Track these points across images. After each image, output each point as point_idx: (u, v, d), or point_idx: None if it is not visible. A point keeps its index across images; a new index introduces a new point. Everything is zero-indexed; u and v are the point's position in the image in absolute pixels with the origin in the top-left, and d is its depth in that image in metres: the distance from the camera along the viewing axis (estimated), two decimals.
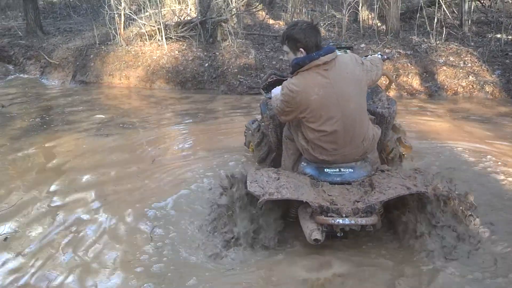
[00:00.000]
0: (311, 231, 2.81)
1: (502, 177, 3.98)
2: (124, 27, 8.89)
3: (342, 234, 2.89)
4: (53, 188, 4.06)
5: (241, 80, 7.71)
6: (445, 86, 7.24)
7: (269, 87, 3.79)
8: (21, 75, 8.92)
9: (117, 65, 8.18)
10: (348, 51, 3.77)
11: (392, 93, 7.02)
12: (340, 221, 2.78)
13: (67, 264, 2.94)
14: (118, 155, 4.81)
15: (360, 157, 3.19)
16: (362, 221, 2.78)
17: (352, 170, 3.17)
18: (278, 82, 3.67)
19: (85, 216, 3.55)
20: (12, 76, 8.83)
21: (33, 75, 8.87)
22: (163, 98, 7.26)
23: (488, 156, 4.42)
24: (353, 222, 2.78)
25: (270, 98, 3.51)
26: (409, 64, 7.59)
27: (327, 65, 2.95)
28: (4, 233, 3.33)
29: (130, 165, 4.48)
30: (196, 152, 4.80)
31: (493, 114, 6.16)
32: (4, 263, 2.99)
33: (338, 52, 3.23)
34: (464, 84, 7.22)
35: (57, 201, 3.84)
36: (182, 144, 5.12)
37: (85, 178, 4.26)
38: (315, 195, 2.91)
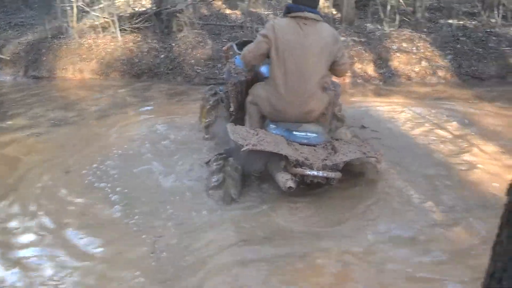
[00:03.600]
0: (286, 180, 3.30)
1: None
2: (77, 20, 8.69)
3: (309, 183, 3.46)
4: None
5: (198, 71, 7.65)
6: (399, 72, 7.37)
7: (241, 47, 4.17)
8: None
9: (70, 58, 7.99)
10: None
11: (347, 80, 7.13)
12: (315, 173, 3.37)
13: None
14: (38, 159, 4.48)
15: (306, 115, 3.71)
16: (332, 174, 3.40)
17: (316, 135, 3.70)
18: (249, 44, 4.12)
19: None
20: None
21: None
22: (102, 89, 7.19)
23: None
24: (325, 175, 3.38)
25: (240, 53, 4.01)
26: (363, 51, 7.68)
27: (307, 21, 3.55)
28: None
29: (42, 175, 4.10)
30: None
31: (443, 96, 6.34)
32: None
33: None
34: (417, 69, 7.38)
35: None
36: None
37: None
38: (292, 151, 3.42)
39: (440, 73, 7.28)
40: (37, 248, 3.04)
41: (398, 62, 7.51)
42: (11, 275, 2.77)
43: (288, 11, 3.64)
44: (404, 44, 7.87)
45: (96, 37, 8.42)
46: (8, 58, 8.40)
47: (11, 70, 8.25)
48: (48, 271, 2.80)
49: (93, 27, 8.60)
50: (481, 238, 3.00)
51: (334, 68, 3.76)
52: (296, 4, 3.60)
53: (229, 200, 3.48)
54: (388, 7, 8.53)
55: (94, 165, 4.17)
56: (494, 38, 7.93)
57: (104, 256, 2.93)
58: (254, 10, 9.77)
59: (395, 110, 5.57)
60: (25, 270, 2.81)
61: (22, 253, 3.00)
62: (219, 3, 10.38)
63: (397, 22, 8.44)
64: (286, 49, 3.58)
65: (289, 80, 3.60)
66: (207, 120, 4.64)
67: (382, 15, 8.59)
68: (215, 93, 4.67)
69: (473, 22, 8.67)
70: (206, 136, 4.60)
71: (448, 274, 2.68)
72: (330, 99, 3.85)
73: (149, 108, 6.11)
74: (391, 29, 8.31)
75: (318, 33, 3.56)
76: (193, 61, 7.81)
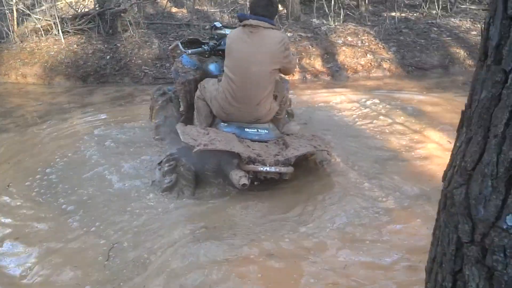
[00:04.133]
0: (240, 177, 3.31)
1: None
2: (17, 24, 8.43)
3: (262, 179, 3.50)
4: None
5: (146, 71, 7.57)
6: (346, 66, 7.51)
7: (187, 45, 4.24)
8: None
9: (12, 63, 7.75)
10: None
11: (297, 76, 7.21)
12: (267, 168, 3.40)
13: None
14: None
15: (256, 120, 3.72)
16: (283, 169, 3.42)
17: (267, 132, 3.74)
18: (196, 42, 4.34)
19: None
20: None
21: None
22: (42, 94, 6.99)
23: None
24: (277, 170, 3.41)
25: (186, 52, 4.09)
26: (310, 47, 7.78)
27: (253, 28, 3.54)
28: None
29: None
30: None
31: (389, 88, 6.52)
32: None
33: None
34: (363, 62, 7.53)
35: None
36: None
37: None
38: (243, 148, 3.43)
39: (385, 65, 7.46)
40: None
41: (344, 56, 7.64)
42: None
43: (239, 20, 3.70)
44: (349, 38, 8.02)
45: (38, 40, 8.19)
46: None
47: None
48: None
49: (35, 30, 8.36)
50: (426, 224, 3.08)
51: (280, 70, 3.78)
52: (244, 14, 3.71)
53: (182, 199, 3.49)
54: (333, 2, 8.67)
55: (38, 176, 4.01)
56: (435, 29, 8.19)
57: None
58: (200, 8, 9.74)
59: (343, 103, 5.68)
60: None
61: None
62: (164, 1, 10.27)
63: (342, 17, 8.59)
64: (233, 58, 3.59)
65: (236, 87, 3.58)
66: (156, 120, 4.59)
67: (327, 10, 8.71)
68: (164, 93, 4.62)
69: (415, 14, 8.93)
70: (157, 137, 4.55)
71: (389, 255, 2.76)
72: (281, 106, 3.90)
73: (94, 112, 5.96)
74: (336, 23, 8.46)
75: (263, 41, 3.54)
76: (140, 61, 7.72)
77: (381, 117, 5.13)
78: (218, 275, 2.56)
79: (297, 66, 6.48)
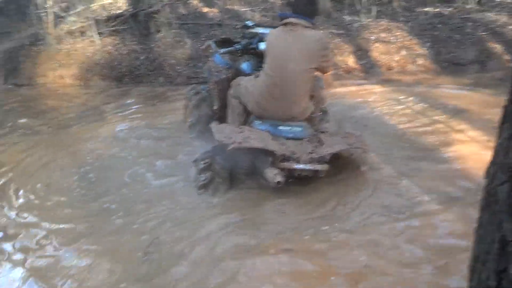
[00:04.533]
0: (274, 175, 3.36)
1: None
2: (54, 26, 8.60)
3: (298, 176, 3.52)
4: None
5: (179, 70, 7.63)
6: (379, 62, 7.43)
7: (220, 45, 4.30)
8: None
9: (50, 65, 7.91)
10: None
11: (330, 73, 7.15)
12: (302, 166, 3.43)
13: None
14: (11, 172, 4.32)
15: (289, 118, 3.71)
16: (318, 167, 3.46)
17: (301, 129, 3.71)
18: (228, 41, 4.39)
19: None
20: None
21: None
22: (77, 96, 7.12)
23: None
24: (311, 167, 3.45)
25: (219, 52, 4.18)
26: (342, 43, 7.72)
27: (293, 27, 3.56)
28: None
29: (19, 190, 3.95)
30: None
31: (425, 84, 6.42)
32: None
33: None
34: (397, 59, 7.44)
35: None
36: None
37: None
38: (278, 146, 3.45)
39: (420, 61, 7.35)
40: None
41: (377, 52, 7.56)
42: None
43: (280, 19, 3.72)
44: (383, 34, 7.92)
45: (74, 42, 8.34)
46: None
47: None
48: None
49: (71, 32, 8.51)
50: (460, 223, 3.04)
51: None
52: (285, 12, 3.71)
53: (217, 195, 3.55)
54: None
55: (75, 176, 4.10)
56: (470, 23, 8.01)
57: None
58: (231, 7, 9.76)
59: (378, 100, 5.63)
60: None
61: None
62: (196, 1, 10.33)
63: (374, 13, 8.49)
64: (272, 55, 3.62)
65: (273, 84, 3.59)
66: (191, 119, 4.65)
67: (358, 6, 8.63)
68: (198, 92, 4.67)
69: (449, 9, 8.76)
70: (191, 136, 4.61)
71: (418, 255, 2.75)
72: (316, 104, 3.90)
73: (127, 112, 6.04)
74: (369, 20, 8.36)
75: (301, 39, 3.55)
76: (173, 61, 7.79)
77: (417, 114, 5.07)
78: (247, 266, 2.72)
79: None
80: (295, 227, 3.13)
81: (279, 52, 3.58)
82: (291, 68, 3.54)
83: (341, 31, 8.03)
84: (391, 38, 7.81)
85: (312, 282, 2.62)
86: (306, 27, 3.56)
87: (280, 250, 2.87)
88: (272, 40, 3.66)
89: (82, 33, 8.46)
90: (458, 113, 5.03)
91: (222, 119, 4.18)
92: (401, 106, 5.34)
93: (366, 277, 2.61)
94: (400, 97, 5.65)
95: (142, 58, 7.91)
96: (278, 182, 3.34)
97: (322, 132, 3.93)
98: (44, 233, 3.29)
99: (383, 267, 2.67)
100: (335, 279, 2.63)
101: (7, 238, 3.27)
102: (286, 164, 3.43)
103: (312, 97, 3.82)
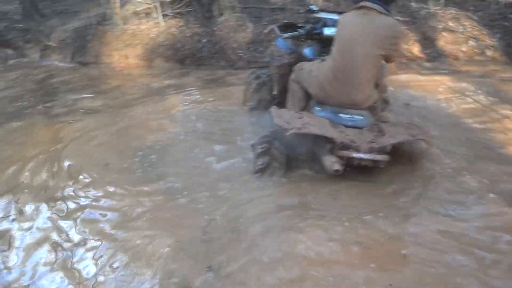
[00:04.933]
0: (333, 163, 3.32)
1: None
2: (120, 6, 8.82)
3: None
4: None
5: (240, 54, 7.67)
6: (446, 52, 7.20)
7: (283, 29, 4.24)
8: (21, 59, 8.87)
9: (115, 44, 8.15)
10: None
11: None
12: (362, 155, 3.36)
13: None
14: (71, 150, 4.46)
15: (351, 104, 3.62)
16: (378, 157, 3.37)
17: (362, 118, 3.63)
18: (291, 26, 4.30)
19: None
20: (12, 61, 8.78)
21: (33, 58, 8.82)
22: (139, 76, 7.28)
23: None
24: (371, 157, 3.36)
25: (282, 36, 4.11)
26: (408, 31, 7.52)
27: (367, 11, 3.45)
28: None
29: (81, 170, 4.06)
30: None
31: (493, 76, 6.16)
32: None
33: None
34: (464, 49, 7.18)
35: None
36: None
37: None
38: (337, 134, 3.39)
39: (489, 52, 7.07)
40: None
41: (444, 41, 7.32)
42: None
43: (354, 2, 3.59)
44: (450, 23, 7.66)
45: (139, 23, 8.53)
46: (55, 44, 8.63)
47: (59, 56, 8.49)
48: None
49: (136, 13, 8.70)
50: None
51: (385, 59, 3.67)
52: None
53: (274, 180, 3.57)
54: None
55: (135, 158, 4.18)
56: None
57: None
58: None
59: (442, 91, 5.44)
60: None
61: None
62: None
63: (442, 1, 8.21)
64: (341, 37, 3.53)
65: (339, 67, 3.51)
66: (250, 103, 4.68)
67: None
68: (258, 77, 4.68)
69: None
70: (250, 119, 4.63)
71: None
72: (379, 96, 3.81)
73: (186, 94, 6.12)
74: (436, 7, 8.09)
75: (374, 24, 3.43)
76: (235, 45, 7.83)
77: (483, 108, 4.87)
78: (299, 246, 2.79)
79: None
80: (347, 213, 3.12)
81: (349, 35, 3.49)
82: (358, 52, 3.44)
83: (406, 18, 7.81)
84: (459, 27, 7.54)
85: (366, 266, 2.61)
86: (380, 13, 3.44)
87: (329, 234, 2.89)
88: (343, 23, 3.56)
89: (147, 14, 8.63)
90: None
91: (281, 104, 4.18)
92: (467, 99, 5.14)
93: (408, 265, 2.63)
94: (466, 89, 5.44)
95: (204, 41, 8.00)
96: (336, 170, 3.30)
97: (383, 121, 3.82)
98: (106, 208, 3.44)
99: (428, 260, 2.65)
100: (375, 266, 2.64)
101: (71, 212, 3.43)
102: (345, 153, 3.37)
103: (377, 85, 3.74)
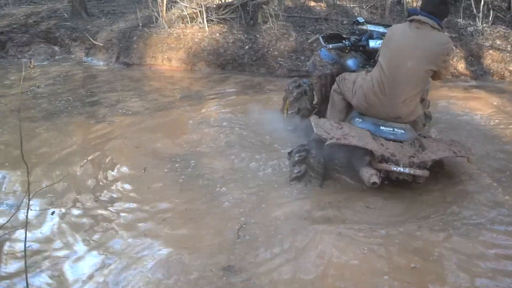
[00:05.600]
0: (371, 175, 3.29)
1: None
2: (166, 10, 8.96)
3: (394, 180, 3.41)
4: None
5: (281, 62, 7.69)
6: (491, 70, 7.05)
7: (328, 40, 4.21)
8: (67, 56, 9.09)
9: (159, 47, 8.27)
10: None
11: None
12: (401, 169, 3.31)
13: None
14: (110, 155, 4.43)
15: (395, 118, 3.57)
16: (419, 172, 3.32)
17: (403, 132, 3.59)
18: (336, 37, 4.24)
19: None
20: (58, 57, 9.01)
21: (78, 56, 9.04)
22: (181, 79, 7.36)
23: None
24: (411, 172, 3.31)
25: (327, 47, 4.07)
26: (454, 47, 7.38)
27: (419, 25, 3.41)
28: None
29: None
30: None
31: None
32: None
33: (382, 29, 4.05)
34: (511, 68, 7.01)
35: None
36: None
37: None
38: (377, 146, 3.36)
39: None
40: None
41: (490, 60, 7.17)
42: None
43: (408, 15, 3.59)
44: (498, 41, 7.51)
45: (184, 27, 8.64)
46: (102, 44, 8.82)
47: (104, 56, 8.67)
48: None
49: (182, 17, 8.83)
50: None
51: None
52: (415, 9, 3.55)
53: (309, 189, 3.57)
54: (482, 3, 8.14)
55: (173, 163, 4.20)
56: None
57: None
58: (339, 2, 9.66)
59: (487, 110, 5.35)
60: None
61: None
62: None
63: (490, 18, 8.05)
64: (390, 49, 3.50)
65: (386, 79, 3.47)
66: (290, 111, 4.68)
67: (474, 10, 8.22)
68: (299, 85, 4.69)
69: None
70: (289, 128, 4.64)
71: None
72: (421, 112, 3.77)
73: (223, 99, 6.18)
74: (484, 25, 7.94)
75: (426, 39, 3.41)
76: (276, 52, 7.86)
77: None
78: (331, 252, 2.80)
79: None
80: (382, 225, 3.10)
81: (399, 48, 3.46)
82: (409, 66, 3.41)
83: (453, 35, 7.68)
84: (508, 46, 7.37)
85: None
86: (433, 28, 3.40)
87: (366, 245, 2.87)
88: (393, 34, 3.53)
89: (192, 19, 8.74)
90: None
91: (321, 113, 4.17)
92: (510, 119, 5.01)
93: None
94: (510, 109, 5.31)
95: (246, 47, 8.05)
96: (374, 183, 3.27)
97: (425, 137, 3.77)
98: (146, 210, 3.49)
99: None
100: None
101: (114, 213, 3.48)
102: (384, 166, 3.34)
103: (422, 100, 3.69)
